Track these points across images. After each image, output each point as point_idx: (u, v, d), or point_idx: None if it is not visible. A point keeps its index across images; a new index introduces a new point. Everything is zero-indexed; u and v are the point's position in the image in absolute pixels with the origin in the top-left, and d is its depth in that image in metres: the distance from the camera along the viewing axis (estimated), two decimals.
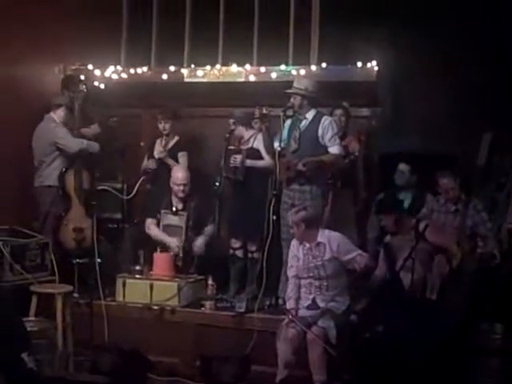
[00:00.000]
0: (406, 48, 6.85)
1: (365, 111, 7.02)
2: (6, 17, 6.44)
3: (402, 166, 6.74)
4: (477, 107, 6.81)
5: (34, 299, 5.48)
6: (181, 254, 6.28)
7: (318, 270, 5.39)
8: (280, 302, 5.88)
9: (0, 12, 6.37)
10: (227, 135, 6.34)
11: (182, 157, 6.76)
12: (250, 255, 6.36)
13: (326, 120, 5.97)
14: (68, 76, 7.07)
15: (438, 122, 6.97)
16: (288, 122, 6.09)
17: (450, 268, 5.41)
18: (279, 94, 6.36)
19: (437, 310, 5.24)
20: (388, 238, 5.70)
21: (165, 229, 6.42)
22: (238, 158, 6.24)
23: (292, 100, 6.00)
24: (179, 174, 6.44)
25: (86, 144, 6.36)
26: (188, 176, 6.44)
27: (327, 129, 5.92)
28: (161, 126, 6.81)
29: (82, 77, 6.88)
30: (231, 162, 6.24)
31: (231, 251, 6.42)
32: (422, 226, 5.45)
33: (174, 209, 6.38)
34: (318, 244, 5.43)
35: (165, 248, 6.29)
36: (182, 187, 6.38)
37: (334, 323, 5.17)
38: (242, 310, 5.79)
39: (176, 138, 6.84)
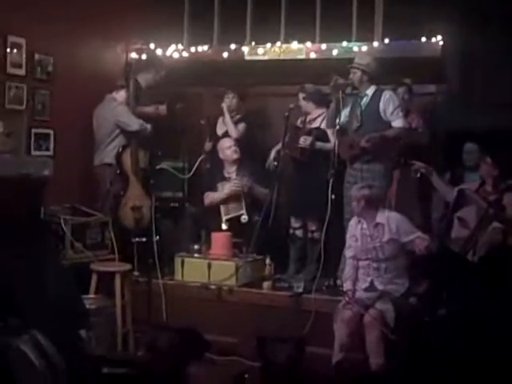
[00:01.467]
0: (472, 22, 6.60)
1: (430, 88, 6.81)
2: None
3: (470, 146, 6.51)
4: None
5: (94, 277, 5.54)
6: (243, 203, 6.40)
7: (377, 251, 5.27)
8: (339, 283, 5.77)
9: None
10: (286, 113, 6.22)
11: (240, 126, 6.75)
12: (310, 235, 6.26)
13: (386, 94, 5.85)
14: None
15: (507, 99, 6.71)
16: (348, 99, 5.99)
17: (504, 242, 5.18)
18: (341, 71, 6.25)
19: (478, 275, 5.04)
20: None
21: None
22: (308, 139, 6.13)
23: (351, 76, 5.88)
24: (225, 140, 6.60)
25: (145, 126, 6.37)
26: (235, 140, 6.57)
27: (388, 103, 5.79)
28: (227, 103, 6.77)
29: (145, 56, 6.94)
30: (300, 142, 6.12)
31: (291, 230, 6.34)
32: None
33: (228, 176, 6.47)
34: (377, 224, 5.31)
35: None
36: (232, 149, 6.51)
37: (393, 306, 5.05)
38: (300, 291, 5.72)
39: (238, 117, 6.81)
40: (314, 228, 6.20)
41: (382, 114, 5.80)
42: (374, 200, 5.37)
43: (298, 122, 6.38)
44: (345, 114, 5.95)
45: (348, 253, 5.45)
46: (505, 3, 6.51)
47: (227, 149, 6.52)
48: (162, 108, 6.79)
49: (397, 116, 5.80)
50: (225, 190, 6.46)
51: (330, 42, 6.93)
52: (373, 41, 6.80)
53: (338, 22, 7.18)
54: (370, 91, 5.89)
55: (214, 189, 6.55)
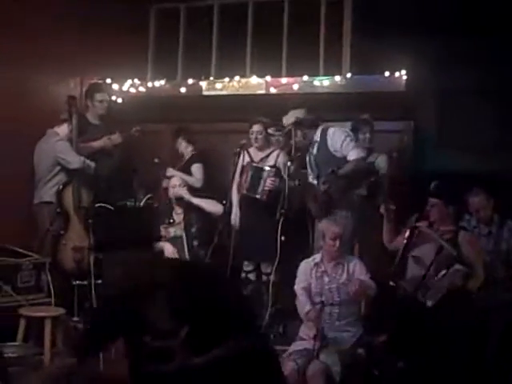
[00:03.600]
0: (440, 56, 6.31)
1: (396, 125, 6.46)
2: (22, 27, 6.20)
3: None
4: None
5: (22, 323, 5.12)
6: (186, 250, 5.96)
7: (332, 293, 4.86)
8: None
9: (18, 23, 6.14)
10: (238, 149, 5.88)
11: (196, 168, 6.41)
12: (264, 278, 5.87)
13: (330, 131, 5.54)
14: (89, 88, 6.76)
15: (475, 135, 6.38)
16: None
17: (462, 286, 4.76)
18: (301, 106, 5.97)
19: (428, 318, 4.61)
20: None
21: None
22: (277, 181, 5.73)
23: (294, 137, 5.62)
24: (174, 179, 6.19)
25: (87, 164, 6.03)
26: (183, 180, 6.18)
27: (334, 137, 5.49)
28: (180, 147, 6.54)
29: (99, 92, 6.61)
30: (268, 184, 5.71)
31: (243, 274, 5.94)
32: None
33: (171, 220, 6.06)
34: (337, 264, 4.95)
35: None
36: (175, 189, 6.07)
37: (339, 358, 4.62)
38: None
39: (191, 153, 6.48)
40: (268, 270, 5.81)
41: (333, 151, 5.49)
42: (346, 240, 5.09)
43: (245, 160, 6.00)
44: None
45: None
46: (470, 39, 6.23)
47: (173, 188, 6.13)
48: (115, 137, 6.40)
49: (348, 147, 5.47)
50: (164, 238, 6.05)
51: (295, 76, 6.66)
52: (334, 75, 6.49)
53: (305, 56, 6.94)
54: (318, 134, 5.60)
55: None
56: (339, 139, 5.47)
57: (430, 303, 4.66)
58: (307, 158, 5.70)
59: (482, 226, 5.41)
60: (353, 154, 5.45)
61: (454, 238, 4.96)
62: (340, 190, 5.48)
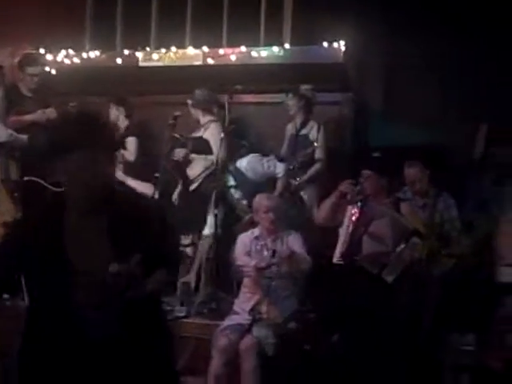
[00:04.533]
0: (381, 27, 6.24)
1: (334, 96, 6.36)
2: None
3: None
4: (458, 93, 6.17)
5: None
6: None
7: (271, 266, 4.78)
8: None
9: None
10: (171, 121, 5.75)
11: (130, 142, 6.21)
12: None
13: (240, 165, 5.78)
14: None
15: (416, 108, 6.34)
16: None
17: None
18: (240, 77, 5.86)
19: (391, 295, 4.52)
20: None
21: None
22: (182, 151, 5.71)
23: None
24: None
25: (15, 137, 5.81)
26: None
27: (252, 167, 5.74)
28: (113, 114, 6.31)
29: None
30: (174, 154, 5.69)
31: (181, 248, 5.82)
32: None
33: None
34: (276, 238, 4.91)
35: None
36: None
37: (273, 332, 4.57)
38: (182, 315, 5.23)
39: (126, 123, 6.33)
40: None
41: (258, 178, 5.72)
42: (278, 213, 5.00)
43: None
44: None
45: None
46: (410, 11, 6.17)
47: None
48: (50, 110, 6.12)
49: (270, 168, 5.76)
50: None
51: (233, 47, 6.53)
52: (272, 46, 6.38)
53: (244, 27, 6.83)
54: (230, 179, 5.76)
55: None
56: (258, 166, 5.71)
57: (389, 279, 4.52)
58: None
59: (417, 197, 5.38)
60: (279, 171, 5.73)
61: (395, 211, 4.88)
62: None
